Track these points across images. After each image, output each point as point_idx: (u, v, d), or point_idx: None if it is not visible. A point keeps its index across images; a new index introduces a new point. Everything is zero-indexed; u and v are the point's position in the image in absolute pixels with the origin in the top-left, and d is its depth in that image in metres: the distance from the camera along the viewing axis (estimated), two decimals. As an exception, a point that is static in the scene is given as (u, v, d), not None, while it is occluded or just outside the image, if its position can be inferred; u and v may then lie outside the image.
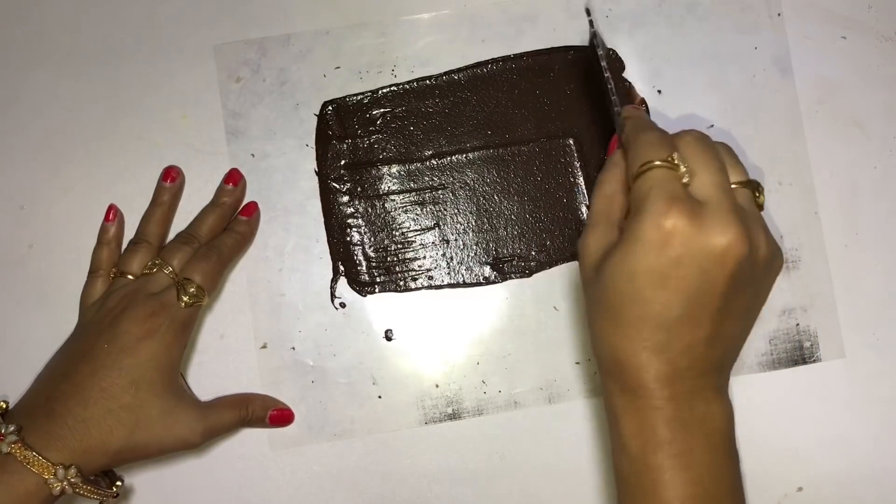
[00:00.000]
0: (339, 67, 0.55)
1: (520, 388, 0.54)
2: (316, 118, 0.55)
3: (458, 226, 0.54)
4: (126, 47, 0.55)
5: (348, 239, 0.54)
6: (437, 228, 0.54)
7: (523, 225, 0.54)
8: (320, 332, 0.54)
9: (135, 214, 0.53)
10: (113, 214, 0.53)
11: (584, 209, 0.54)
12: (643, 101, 0.55)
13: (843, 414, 0.54)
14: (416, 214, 0.54)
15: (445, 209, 0.54)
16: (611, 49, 0.55)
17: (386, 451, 0.53)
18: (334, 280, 0.54)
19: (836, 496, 0.54)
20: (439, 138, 0.55)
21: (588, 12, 0.48)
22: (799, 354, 0.54)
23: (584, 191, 0.54)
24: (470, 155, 0.55)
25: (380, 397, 0.54)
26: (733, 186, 0.41)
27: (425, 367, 0.54)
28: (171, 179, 0.53)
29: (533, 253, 0.54)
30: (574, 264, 0.54)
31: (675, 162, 0.39)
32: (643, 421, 0.40)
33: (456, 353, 0.54)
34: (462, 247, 0.54)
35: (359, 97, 0.55)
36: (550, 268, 0.54)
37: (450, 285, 0.54)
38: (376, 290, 0.54)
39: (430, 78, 0.55)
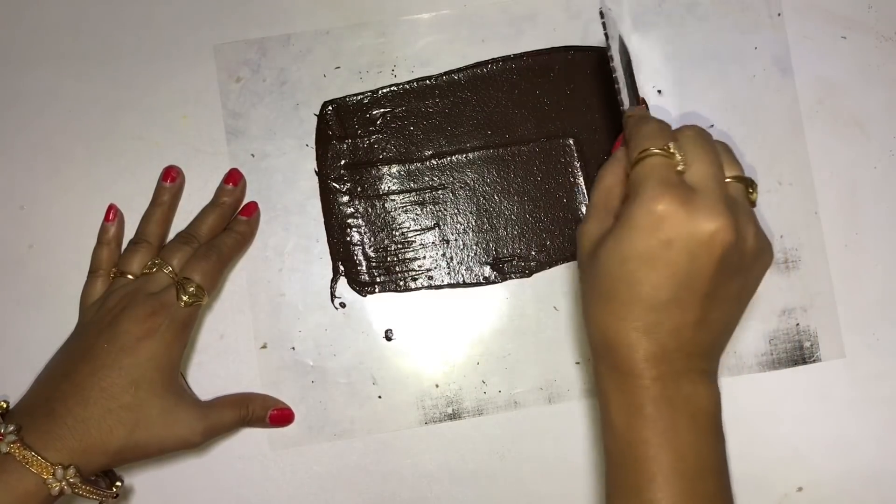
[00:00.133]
0: (339, 67, 0.55)
1: (520, 388, 0.54)
2: (316, 118, 0.55)
3: (458, 226, 0.54)
4: (126, 47, 0.55)
5: (348, 239, 0.54)
6: (437, 228, 0.54)
7: (523, 225, 0.54)
8: (320, 332, 0.54)
9: (135, 214, 0.53)
10: (113, 214, 0.53)
11: (583, 209, 0.54)
12: (643, 101, 0.55)
13: (843, 414, 0.54)
14: (416, 214, 0.54)
15: (445, 209, 0.54)
16: (610, 49, 0.55)
17: (386, 451, 0.53)
18: (334, 280, 0.54)
19: (836, 496, 0.54)
20: (439, 138, 0.55)
21: (602, 14, 0.49)
22: (799, 354, 0.54)
23: (584, 191, 0.54)
24: (470, 155, 0.55)
25: (380, 397, 0.54)
26: (728, 180, 0.42)
27: (425, 367, 0.54)
28: (171, 179, 0.53)
29: (533, 253, 0.54)
30: (574, 264, 0.54)
31: (672, 151, 0.41)
32: (630, 399, 0.41)
33: (456, 353, 0.54)
34: (462, 247, 0.54)
35: (359, 97, 0.55)
36: (550, 268, 0.54)
37: (450, 285, 0.54)
38: (376, 290, 0.54)
39: (430, 78, 0.55)
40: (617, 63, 0.48)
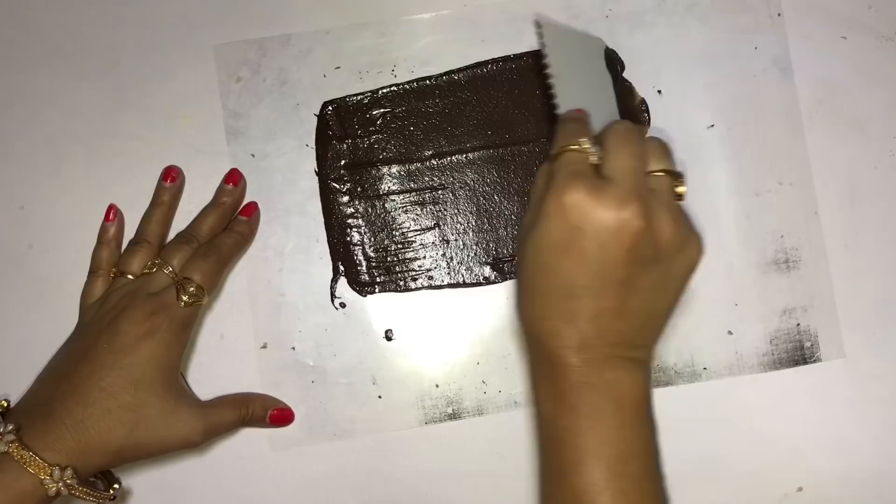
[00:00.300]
0: (339, 67, 0.55)
1: (520, 387, 0.54)
2: (316, 118, 0.55)
3: (458, 226, 0.54)
4: (126, 47, 0.55)
5: (348, 239, 0.54)
6: (437, 228, 0.54)
7: (523, 225, 0.54)
8: (320, 332, 0.54)
9: (135, 214, 0.53)
10: (113, 214, 0.53)
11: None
12: (643, 101, 0.55)
13: (844, 414, 0.54)
14: (416, 214, 0.54)
15: (445, 209, 0.54)
16: (612, 49, 0.55)
17: (386, 451, 0.53)
18: (334, 280, 0.54)
19: (836, 496, 0.54)
20: (439, 138, 0.55)
21: (537, 24, 0.50)
22: (799, 354, 0.54)
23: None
24: (470, 155, 0.55)
25: (380, 397, 0.54)
26: (656, 174, 0.43)
27: (425, 367, 0.54)
28: (171, 179, 0.53)
29: (533, 253, 0.54)
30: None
31: (586, 146, 0.43)
32: (555, 386, 0.43)
33: (456, 353, 0.54)
34: (462, 247, 0.54)
35: (359, 97, 0.55)
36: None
37: (450, 285, 0.54)
38: (376, 290, 0.54)
39: (430, 78, 0.55)
40: (552, 70, 0.48)
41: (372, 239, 0.54)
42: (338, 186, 0.54)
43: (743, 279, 0.54)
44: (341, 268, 0.54)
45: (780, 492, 0.54)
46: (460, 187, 0.55)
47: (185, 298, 0.49)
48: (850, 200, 0.55)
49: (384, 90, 0.55)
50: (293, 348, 0.54)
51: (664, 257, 0.42)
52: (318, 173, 0.54)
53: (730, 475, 0.54)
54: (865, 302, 0.54)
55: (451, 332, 0.54)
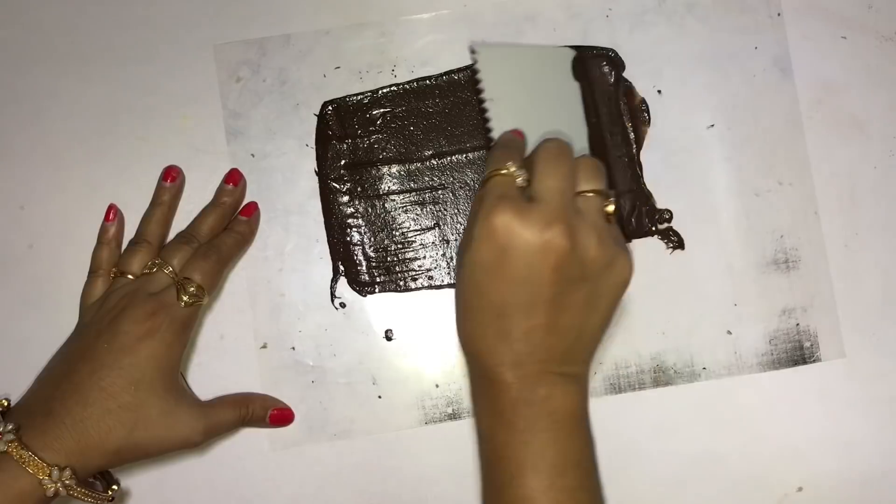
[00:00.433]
0: (339, 67, 0.55)
1: (520, 388, 0.53)
2: (316, 118, 0.55)
3: (458, 226, 0.54)
4: (126, 47, 0.55)
5: (348, 239, 0.54)
6: (437, 228, 0.54)
7: (523, 225, 0.54)
8: (320, 332, 0.54)
9: (135, 214, 0.53)
10: (113, 214, 0.53)
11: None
12: (643, 101, 0.55)
13: (843, 414, 0.54)
14: (416, 214, 0.54)
15: (445, 209, 0.54)
16: (611, 49, 0.55)
17: (386, 451, 0.53)
18: (334, 280, 0.54)
19: (836, 496, 0.54)
20: (439, 138, 0.55)
21: (471, 50, 0.52)
22: (799, 354, 0.54)
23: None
24: (470, 155, 0.55)
25: (380, 397, 0.54)
26: (585, 194, 0.44)
27: (425, 367, 0.54)
28: (172, 179, 0.53)
29: (533, 253, 0.54)
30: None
31: (511, 170, 0.44)
32: (492, 402, 0.44)
33: (456, 353, 0.54)
34: (462, 247, 0.54)
35: (359, 97, 0.55)
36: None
37: (450, 285, 0.54)
38: (376, 290, 0.54)
39: (430, 78, 0.55)
40: (486, 95, 0.50)
41: (372, 239, 0.54)
42: (338, 186, 0.54)
43: (742, 279, 0.54)
44: (341, 268, 0.54)
45: (780, 492, 0.54)
46: (460, 187, 0.55)
47: (185, 298, 0.49)
48: (850, 200, 0.55)
49: (384, 90, 0.55)
50: (293, 348, 0.54)
51: (591, 275, 0.43)
52: (318, 173, 0.54)
53: (730, 475, 0.54)
54: (865, 302, 0.54)
55: (451, 332, 0.54)
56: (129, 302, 0.48)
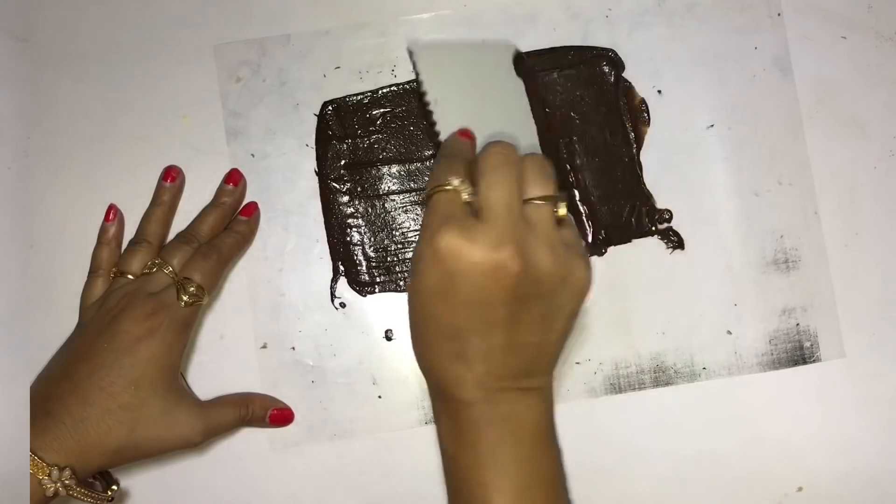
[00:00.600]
0: (339, 67, 0.55)
1: (520, 388, 0.53)
2: (316, 118, 0.55)
3: (458, 226, 0.54)
4: (126, 47, 0.55)
5: (348, 239, 0.54)
6: (437, 228, 0.54)
7: (523, 225, 0.54)
8: (320, 332, 0.54)
9: (135, 214, 0.53)
10: (113, 214, 0.53)
11: (582, 209, 0.54)
12: (643, 101, 0.55)
13: (843, 414, 0.54)
14: (416, 214, 0.54)
15: (445, 209, 0.54)
16: (611, 50, 0.55)
17: (386, 450, 0.53)
18: (334, 280, 0.54)
19: (836, 496, 0.54)
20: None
21: (410, 53, 0.52)
22: (799, 354, 0.54)
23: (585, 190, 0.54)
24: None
25: (380, 397, 0.54)
26: (535, 202, 0.42)
27: (425, 367, 0.54)
28: (171, 179, 0.53)
29: (533, 253, 0.54)
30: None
31: (455, 185, 0.42)
32: (454, 423, 0.43)
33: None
34: (462, 247, 0.54)
35: (359, 97, 0.55)
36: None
37: (450, 285, 0.54)
38: (376, 290, 0.54)
39: (430, 78, 0.55)
40: (430, 97, 0.49)
41: (372, 239, 0.54)
42: (338, 186, 0.54)
43: (742, 279, 0.54)
44: (341, 268, 0.54)
45: (780, 492, 0.54)
46: (460, 187, 0.54)
47: (185, 298, 0.49)
48: (850, 200, 0.55)
49: (384, 90, 0.55)
50: (293, 348, 0.54)
51: (546, 291, 0.41)
52: (317, 173, 0.54)
53: (730, 475, 0.54)
54: (865, 302, 0.54)
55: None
56: (129, 302, 0.48)
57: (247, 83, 0.54)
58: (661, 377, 0.54)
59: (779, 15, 0.55)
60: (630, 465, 0.54)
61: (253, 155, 0.54)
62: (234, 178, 0.54)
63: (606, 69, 0.55)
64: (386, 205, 0.54)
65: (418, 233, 0.43)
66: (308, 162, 0.54)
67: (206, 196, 0.54)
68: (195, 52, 0.55)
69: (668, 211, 0.54)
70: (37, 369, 0.49)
